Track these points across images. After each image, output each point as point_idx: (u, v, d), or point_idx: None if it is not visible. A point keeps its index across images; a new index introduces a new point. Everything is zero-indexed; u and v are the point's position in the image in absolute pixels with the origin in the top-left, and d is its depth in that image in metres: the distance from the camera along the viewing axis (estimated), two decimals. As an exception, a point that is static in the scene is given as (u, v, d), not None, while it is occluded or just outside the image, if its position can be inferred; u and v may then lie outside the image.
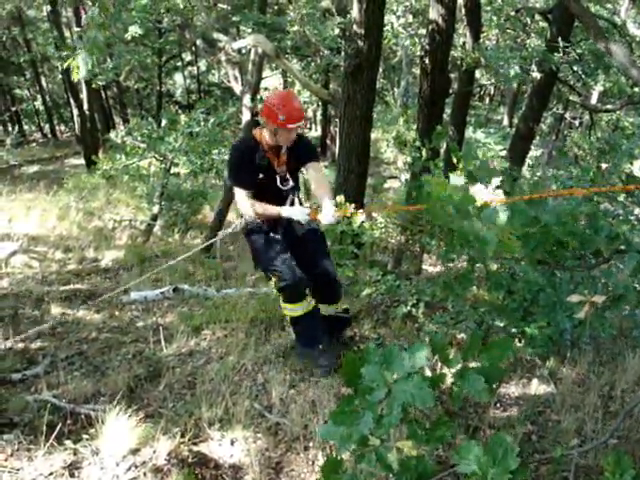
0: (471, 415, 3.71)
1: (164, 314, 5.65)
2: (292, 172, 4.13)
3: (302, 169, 4.22)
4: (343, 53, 7.10)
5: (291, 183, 4.11)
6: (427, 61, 8.16)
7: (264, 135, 3.95)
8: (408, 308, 5.28)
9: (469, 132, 17.66)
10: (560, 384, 4.23)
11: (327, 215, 3.72)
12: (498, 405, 3.95)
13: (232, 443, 3.42)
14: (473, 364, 2.18)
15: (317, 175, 4.06)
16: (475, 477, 1.88)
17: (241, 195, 4.00)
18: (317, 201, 3.93)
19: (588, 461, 3.26)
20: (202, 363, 4.46)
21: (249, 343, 4.70)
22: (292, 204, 4.09)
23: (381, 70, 23.11)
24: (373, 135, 18.79)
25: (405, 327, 5.08)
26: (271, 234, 4.11)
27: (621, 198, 3.88)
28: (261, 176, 3.96)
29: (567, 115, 22.75)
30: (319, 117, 28.61)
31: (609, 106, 12.84)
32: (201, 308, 5.74)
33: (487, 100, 31.20)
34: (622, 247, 2.61)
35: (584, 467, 3.24)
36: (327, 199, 3.79)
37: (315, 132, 29.97)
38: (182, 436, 3.40)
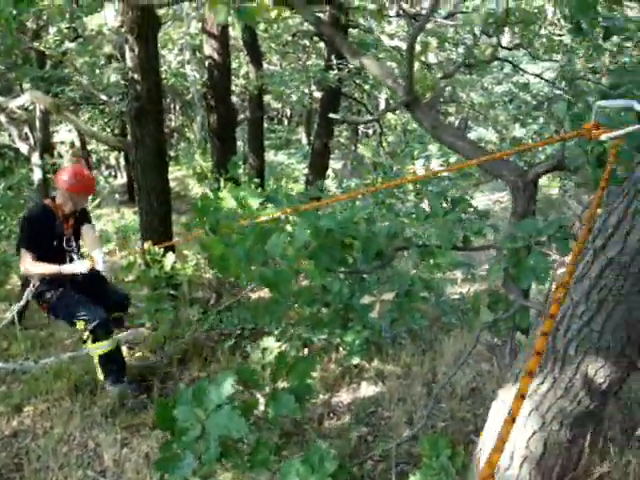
0: (306, 430, 3.77)
1: (-22, 400, 5.18)
2: (75, 233, 4.77)
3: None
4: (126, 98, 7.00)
5: (74, 243, 4.75)
6: (209, 96, 8.29)
7: (60, 204, 4.56)
8: (233, 340, 5.29)
9: (270, 155, 18.08)
10: (387, 381, 4.43)
11: (99, 263, 4.41)
12: (332, 415, 4.05)
13: (66, 521, 3.21)
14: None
15: (89, 233, 4.77)
16: (299, 489, 1.92)
17: (26, 257, 4.44)
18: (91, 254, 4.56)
19: (418, 448, 3.44)
20: (27, 442, 4.15)
21: (74, 410, 4.44)
22: (71, 261, 4.66)
23: (178, 107, 23.04)
24: (181, 172, 18.67)
25: (234, 358, 5.07)
26: (60, 288, 4.58)
27: (411, 197, 4.17)
28: (55, 243, 4.55)
29: (361, 126, 23.97)
30: (122, 163, 27.77)
31: (367, 117, 13.58)
32: (20, 384, 5.34)
33: (285, 122, 32.02)
34: (403, 245, 2.80)
35: (418, 455, 3.41)
36: (97, 250, 4.51)
37: (121, 179, 29.05)
38: (10, 526, 3.15)
